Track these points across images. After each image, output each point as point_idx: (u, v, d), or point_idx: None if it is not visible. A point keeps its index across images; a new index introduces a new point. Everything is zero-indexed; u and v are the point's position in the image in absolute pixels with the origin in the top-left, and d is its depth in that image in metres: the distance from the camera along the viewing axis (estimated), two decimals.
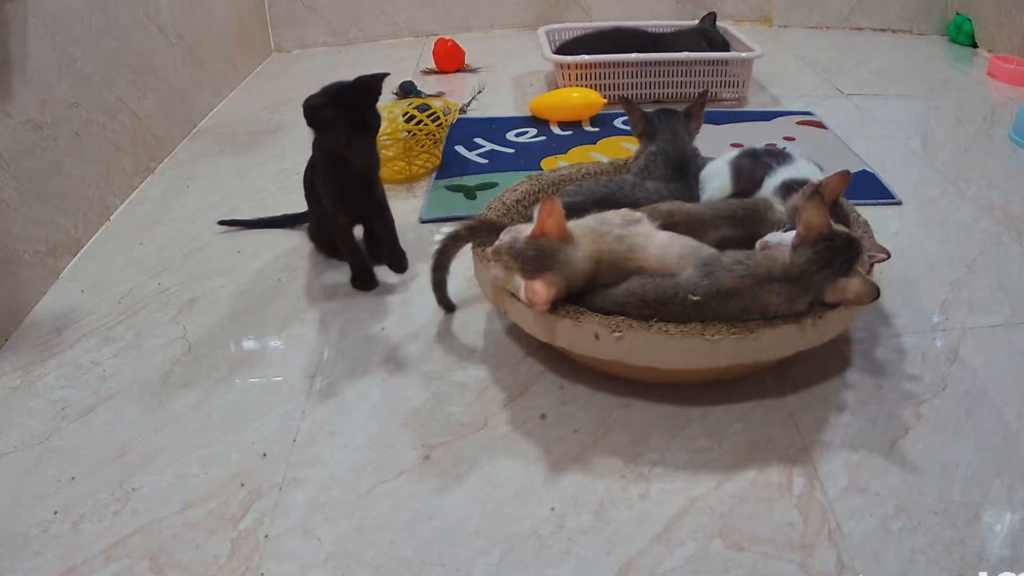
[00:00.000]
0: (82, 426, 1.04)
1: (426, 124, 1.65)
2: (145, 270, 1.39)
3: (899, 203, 1.54)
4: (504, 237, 1.01)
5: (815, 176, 1.16)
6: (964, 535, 0.84)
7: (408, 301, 1.27)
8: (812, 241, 0.94)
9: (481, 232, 1.13)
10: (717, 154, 1.30)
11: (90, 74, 1.53)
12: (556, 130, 1.93)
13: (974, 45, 2.50)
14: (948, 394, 1.04)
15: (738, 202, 1.15)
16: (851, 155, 1.73)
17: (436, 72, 2.41)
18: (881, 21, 2.74)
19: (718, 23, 2.24)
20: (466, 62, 2.44)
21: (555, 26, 2.35)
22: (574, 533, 0.87)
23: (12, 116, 1.28)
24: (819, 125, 1.91)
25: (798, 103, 2.08)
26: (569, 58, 2.07)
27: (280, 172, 1.75)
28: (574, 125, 1.95)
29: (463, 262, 1.19)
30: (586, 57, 2.06)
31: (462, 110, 2.03)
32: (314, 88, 1.17)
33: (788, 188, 1.14)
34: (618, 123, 1.94)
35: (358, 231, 1.32)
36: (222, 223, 1.52)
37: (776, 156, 1.23)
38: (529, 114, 2.01)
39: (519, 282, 0.97)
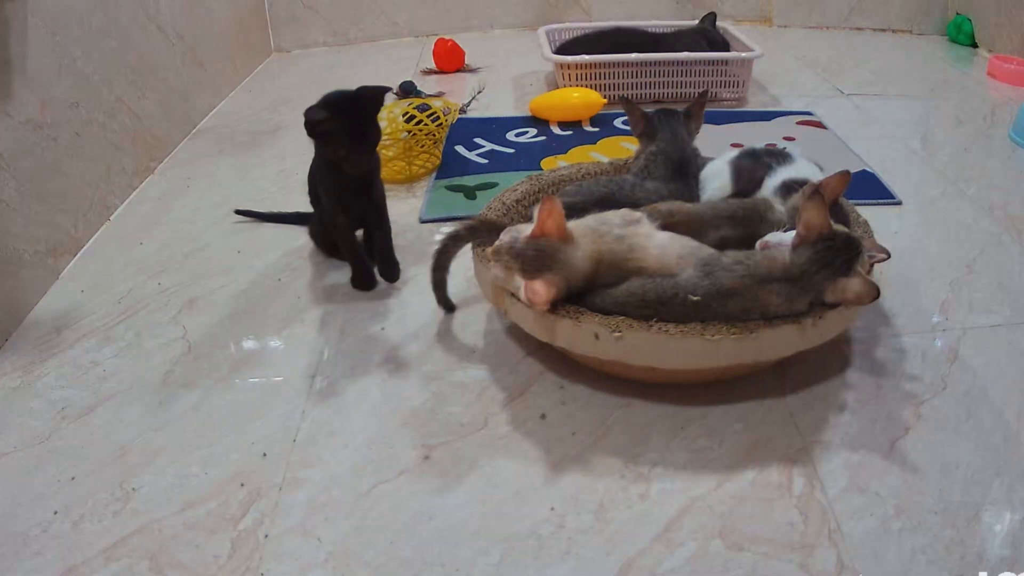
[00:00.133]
0: (82, 426, 1.04)
1: (426, 124, 1.65)
2: (145, 270, 1.39)
3: (899, 203, 1.54)
4: (504, 237, 1.01)
5: (815, 176, 1.16)
6: (964, 535, 0.84)
7: (408, 301, 1.27)
8: (812, 241, 0.94)
9: (481, 232, 1.13)
10: (717, 154, 1.30)
11: (90, 74, 1.53)
12: (556, 130, 1.93)
13: (974, 45, 2.50)
14: (948, 394, 1.04)
15: (738, 202, 1.15)
16: (851, 155, 1.72)
17: (436, 72, 2.41)
18: (881, 21, 2.74)
19: (718, 23, 2.24)
20: (466, 62, 2.44)
21: (555, 26, 2.35)
22: (574, 533, 0.87)
23: (12, 116, 1.28)
24: (819, 125, 1.91)
25: (798, 103, 2.08)
26: (569, 58, 2.07)
27: (280, 172, 1.75)
28: (574, 125, 1.95)
29: (463, 262, 1.19)
30: (586, 57, 2.06)
31: (462, 110, 2.03)
32: (314, 88, 1.17)
33: (788, 188, 1.14)
34: (618, 123, 1.94)
35: (358, 232, 1.33)
36: (238, 212, 1.54)
37: (776, 156, 1.23)
38: (529, 114, 2.01)
39: (519, 282, 0.97)
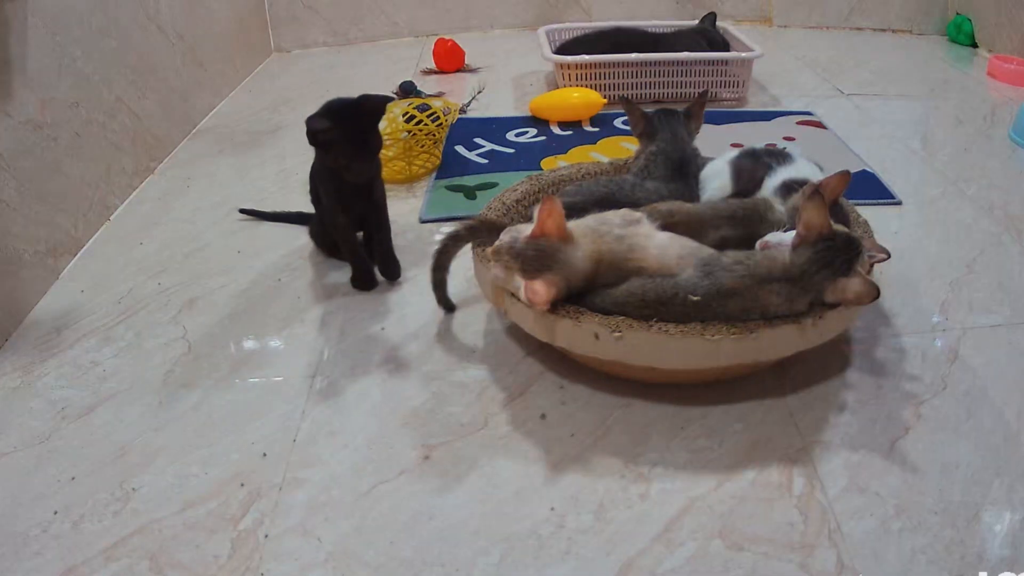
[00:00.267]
0: (82, 426, 1.04)
1: (426, 124, 1.65)
2: (145, 270, 1.39)
3: (899, 203, 1.54)
4: (504, 237, 1.01)
5: (815, 176, 1.16)
6: (964, 535, 0.84)
7: (408, 301, 1.27)
8: (812, 241, 0.94)
9: (481, 232, 1.13)
10: (717, 154, 1.30)
11: (90, 74, 1.53)
12: (556, 130, 1.93)
13: (974, 45, 2.50)
14: (948, 394, 1.04)
15: (738, 202, 1.15)
16: (851, 155, 1.72)
17: (436, 72, 2.41)
18: (881, 21, 2.74)
19: (718, 23, 2.24)
20: (466, 62, 2.44)
21: (555, 26, 2.35)
22: (574, 533, 0.87)
23: (12, 116, 1.28)
24: (819, 125, 1.91)
25: (798, 103, 2.08)
26: (569, 58, 2.07)
27: (280, 172, 1.75)
28: (574, 125, 1.95)
29: (463, 262, 1.19)
30: (586, 57, 2.06)
31: (462, 110, 2.03)
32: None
33: (788, 188, 1.14)
34: (618, 123, 1.94)
35: (359, 233, 1.33)
36: (243, 211, 1.55)
37: (776, 156, 1.23)
38: (529, 114, 2.01)
39: (519, 282, 0.97)
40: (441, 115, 1.69)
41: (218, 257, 1.42)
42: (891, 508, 0.88)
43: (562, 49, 2.20)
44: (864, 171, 1.64)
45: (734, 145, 1.49)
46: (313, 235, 1.41)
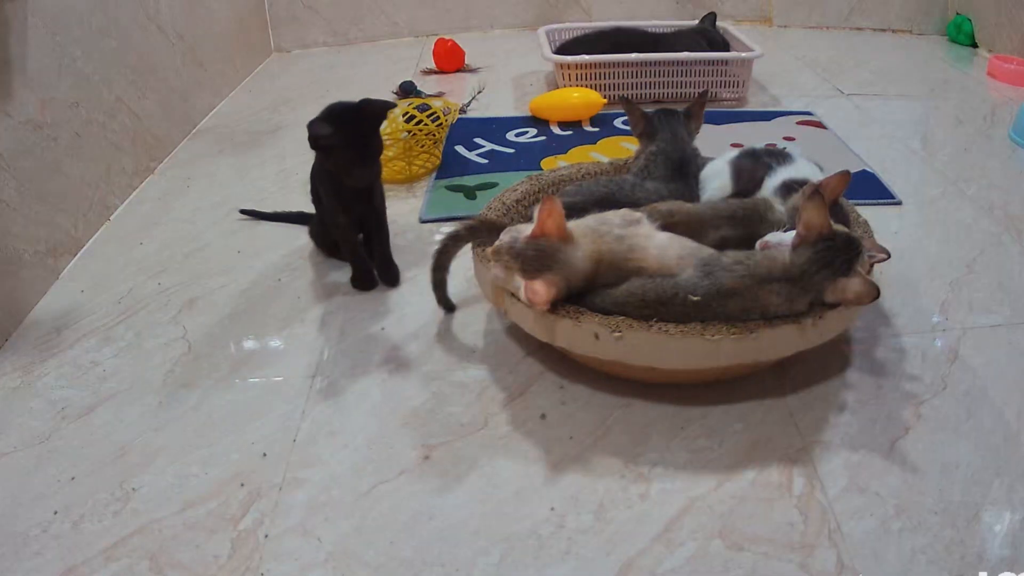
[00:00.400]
0: (82, 426, 1.04)
1: (426, 124, 1.65)
2: (145, 270, 1.39)
3: (899, 203, 1.54)
4: (504, 237, 1.01)
5: (815, 176, 1.16)
6: (964, 535, 0.84)
7: (408, 301, 1.27)
8: (812, 241, 0.94)
9: (481, 232, 1.13)
10: (717, 154, 1.30)
11: (90, 74, 1.53)
12: (556, 130, 1.93)
13: (974, 45, 2.50)
14: (948, 394, 1.04)
15: (738, 202, 1.15)
16: (851, 155, 1.73)
17: (436, 72, 2.41)
18: (881, 21, 2.74)
19: (718, 23, 2.24)
20: (466, 62, 2.44)
21: (555, 26, 2.35)
22: (574, 533, 0.87)
23: (12, 116, 1.28)
24: (819, 125, 1.91)
25: (798, 103, 2.08)
26: (569, 58, 2.07)
27: (280, 172, 1.75)
28: (574, 125, 1.95)
29: (463, 262, 1.19)
30: (586, 57, 2.06)
31: (462, 110, 2.03)
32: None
33: (788, 188, 1.14)
34: (618, 123, 1.94)
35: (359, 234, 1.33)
36: (243, 212, 1.55)
37: (776, 156, 1.23)
38: (529, 114, 2.01)
39: (519, 282, 0.97)
40: (441, 115, 1.69)
41: (218, 257, 1.42)
42: (891, 508, 0.88)
43: (562, 49, 2.20)
44: (864, 171, 1.64)
45: (734, 145, 1.49)
46: (313, 235, 1.41)
